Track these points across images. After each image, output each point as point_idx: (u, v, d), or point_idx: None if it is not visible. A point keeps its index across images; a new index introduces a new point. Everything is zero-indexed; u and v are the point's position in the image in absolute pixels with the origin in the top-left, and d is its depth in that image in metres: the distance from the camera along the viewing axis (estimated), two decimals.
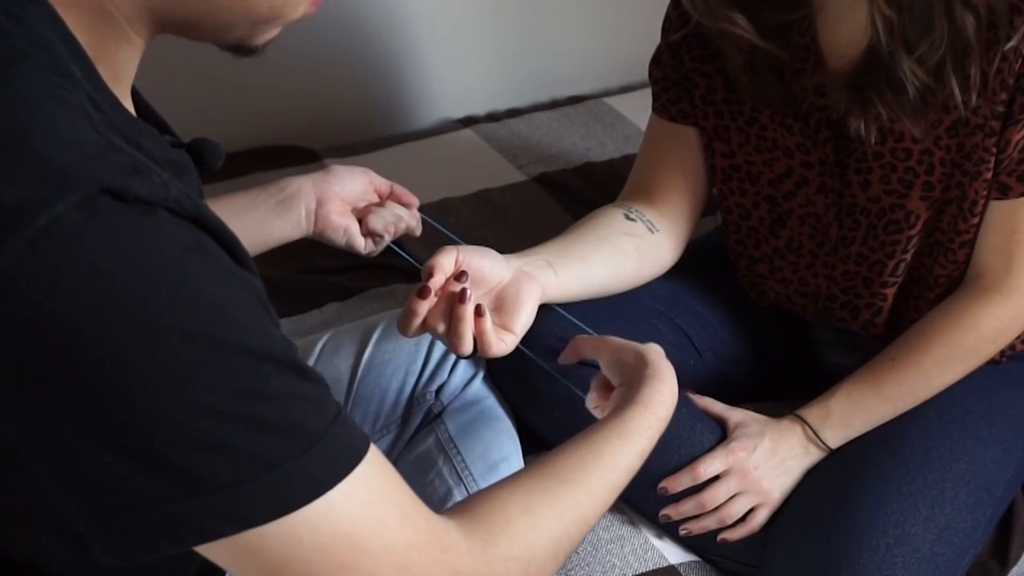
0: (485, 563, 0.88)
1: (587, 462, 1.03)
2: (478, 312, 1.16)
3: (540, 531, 0.94)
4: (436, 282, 1.16)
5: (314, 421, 0.80)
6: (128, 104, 0.88)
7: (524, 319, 1.21)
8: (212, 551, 0.80)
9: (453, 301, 1.16)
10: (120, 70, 0.87)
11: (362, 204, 1.37)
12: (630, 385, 1.15)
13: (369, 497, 0.82)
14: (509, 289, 1.22)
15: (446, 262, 1.17)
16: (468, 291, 1.16)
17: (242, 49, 0.90)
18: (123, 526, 0.77)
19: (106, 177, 0.74)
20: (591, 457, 1.03)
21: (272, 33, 0.90)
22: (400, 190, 1.41)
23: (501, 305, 1.21)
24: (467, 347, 1.16)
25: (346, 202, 1.35)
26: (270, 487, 0.77)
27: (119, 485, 0.76)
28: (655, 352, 1.19)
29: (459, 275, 1.17)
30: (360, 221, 1.35)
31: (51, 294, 0.73)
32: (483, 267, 1.20)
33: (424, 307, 1.16)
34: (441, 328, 1.16)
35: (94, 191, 0.74)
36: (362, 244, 1.35)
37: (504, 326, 1.20)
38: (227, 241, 0.81)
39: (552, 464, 1.01)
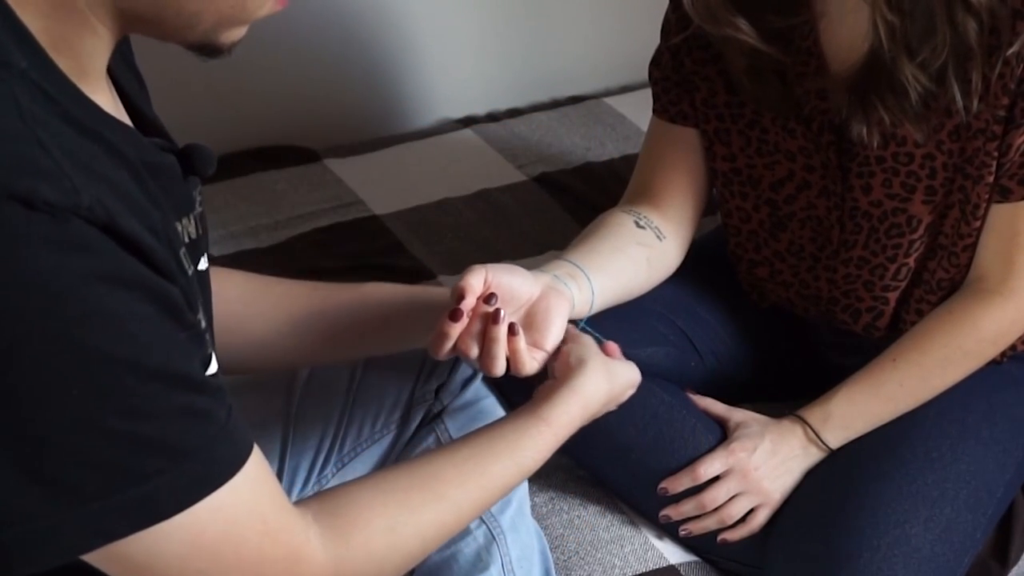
0: None
1: (468, 481, 1.03)
2: (511, 331, 1.14)
3: (398, 549, 0.97)
4: (468, 304, 1.13)
5: (193, 438, 0.82)
6: (101, 98, 0.87)
7: (554, 336, 1.19)
8: None
9: (484, 322, 1.15)
10: (85, 62, 0.85)
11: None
12: (549, 391, 1.13)
13: (234, 512, 0.85)
14: (538, 306, 1.20)
15: (476, 283, 1.15)
16: (501, 312, 1.14)
17: (208, 48, 0.89)
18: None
19: (11, 180, 0.74)
20: (474, 476, 1.03)
21: (238, 32, 0.89)
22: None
23: (531, 323, 1.18)
24: (500, 368, 1.15)
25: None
26: (134, 502, 0.80)
27: None
28: (589, 368, 1.15)
29: (489, 296, 1.15)
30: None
31: None
32: (512, 285, 1.18)
33: (456, 330, 1.14)
34: (474, 351, 1.14)
35: (1, 197, 0.73)
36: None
37: (535, 343, 1.18)
38: (142, 249, 0.81)
39: (433, 473, 1.01)
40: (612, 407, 1.20)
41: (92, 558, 0.82)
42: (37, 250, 0.75)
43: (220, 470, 0.84)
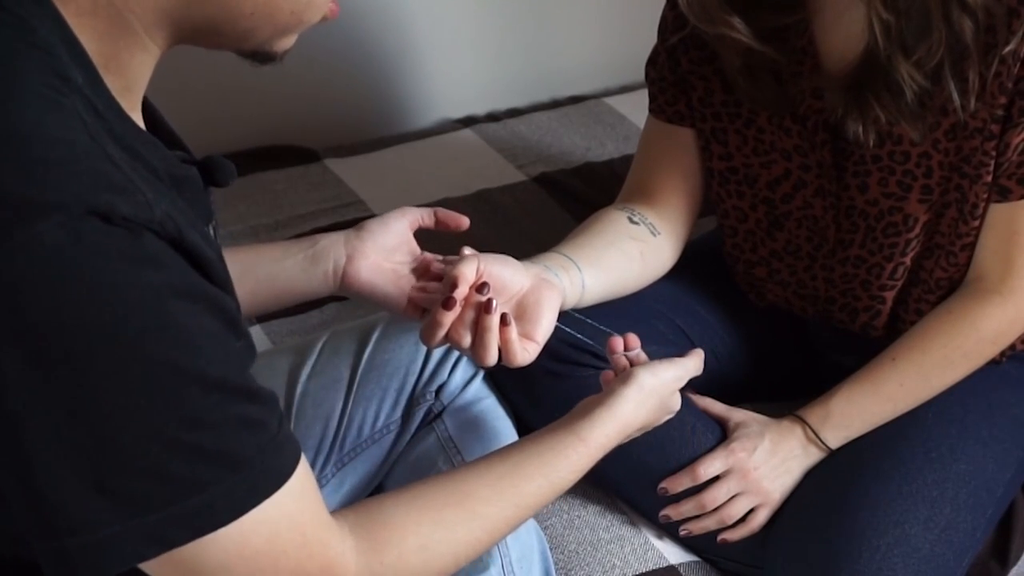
0: None
1: (502, 499, 1.03)
2: (503, 321, 1.15)
3: (430, 567, 0.97)
4: (461, 293, 1.15)
5: (248, 447, 0.83)
6: (136, 115, 0.88)
7: (545, 327, 1.20)
8: None
9: (477, 311, 1.15)
10: (131, 79, 0.87)
11: (401, 255, 1.25)
12: (590, 408, 1.14)
13: (277, 525, 0.86)
14: (529, 297, 1.21)
15: (468, 272, 1.16)
16: (494, 302, 1.15)
17: (260, 56, 0.91)
18: (62, 547, 0.79)
19: (91, 196, 0.75)
20: (508, 494, 1.04)
21: (291, 40, 0.91)
22: (445, 214, 1.29)
23: (522, 313, 1.19)
24: (492, 358, 1.15)
25: (382, 257, 1.24)
26: (194, 511, 0.81)
27: (53, 507, 0.78)
28: (639, 384, 1.16)
29: (481, 286, 1.16)
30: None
31: (22, 308, 0.74)
32: (504, 276, 1.19)
33: (449, 318, 1.15)
34: (467, 340, 1.15)
35: (79, 212, 0.75)
36: (400, 309, 1.24)
37: (526, 335, 1.18)
38: (204, 264, 0.83)
39: (467, 491, 1.02)
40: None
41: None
42: (114, 264, 0.76)
43: (271, 480, 0.85)
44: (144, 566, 0.83)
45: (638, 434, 1.19)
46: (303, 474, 0.88)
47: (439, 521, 0.98)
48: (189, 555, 0.82)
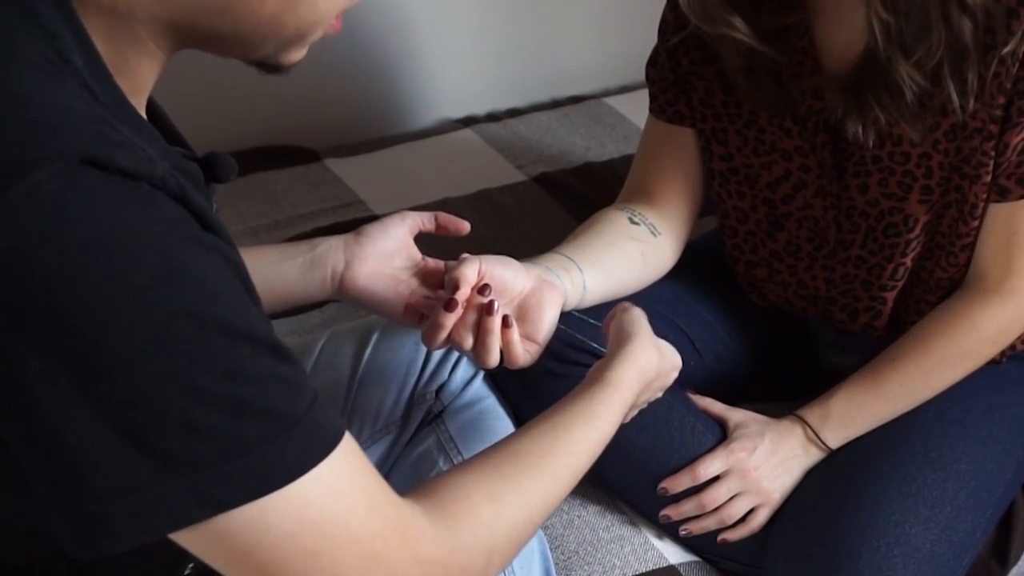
0: (449, 551, 0.88)
1: (553, 448, 1.03)
2: (505, 323, 1.16)
3: (505, 518, 0.94)
4: (463, 294, 1.15)
5: (291, 405, 0.79)
6: (140, 112, 0.88)
7: (547, 328, 1.20)
8: (179, 534, 0.79)
9: (479, 313, 1.15)
10: (139, 81, 0.86)
11: (400, 261, 1.24)
12: (604, 362, 1.15)
13: (339, 485, 0.82)
14: (531, 299, 1.21)
15: (470, 273, 1.16)
16: (495, 303, 1.15)
17: (267, 67, 0.91)
18: (91, 514, 0.75)
19: (88, 146, 0.74)
20: (557, 443, 1.03)
21: (300, 53, 0.90)
22: (446, 219, 1.28)
23: (524, 315, 1.20)
24: (494, 360, 1.16)
25: (380, 262, 1.23)
26: (244, 470, 0.77)
27: (91, 468, 0.75)
28: (641, 338, 1.16)
29: (483, 288, 1.16)
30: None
31: (28, 262, 0.72)
32: (505, 277, 1.19)
33: (451, 320, 1.15)
34: (468, 342, 1.15)
35: (75, 160, 0.73)
36: (398, 315, 1.23)
37: (527, 336, 1.19)
38: (211, 224, 0.80)
39: (517, 449, 1.01)
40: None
41: (192, 542, 0.79)
42: (116, 208, 0.73)
43: (322, 441, 0.81)
44: (197, 547, 0.80)
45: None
46: (351, 437, 0.85)
47: (500, 476, 0.96)
48: (244, 525, 0.78)
